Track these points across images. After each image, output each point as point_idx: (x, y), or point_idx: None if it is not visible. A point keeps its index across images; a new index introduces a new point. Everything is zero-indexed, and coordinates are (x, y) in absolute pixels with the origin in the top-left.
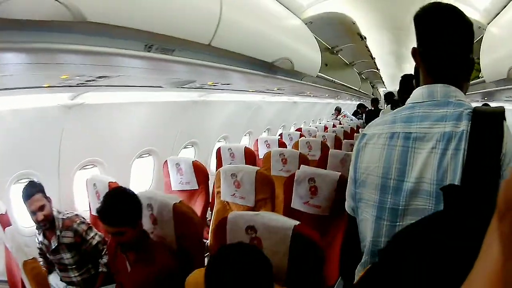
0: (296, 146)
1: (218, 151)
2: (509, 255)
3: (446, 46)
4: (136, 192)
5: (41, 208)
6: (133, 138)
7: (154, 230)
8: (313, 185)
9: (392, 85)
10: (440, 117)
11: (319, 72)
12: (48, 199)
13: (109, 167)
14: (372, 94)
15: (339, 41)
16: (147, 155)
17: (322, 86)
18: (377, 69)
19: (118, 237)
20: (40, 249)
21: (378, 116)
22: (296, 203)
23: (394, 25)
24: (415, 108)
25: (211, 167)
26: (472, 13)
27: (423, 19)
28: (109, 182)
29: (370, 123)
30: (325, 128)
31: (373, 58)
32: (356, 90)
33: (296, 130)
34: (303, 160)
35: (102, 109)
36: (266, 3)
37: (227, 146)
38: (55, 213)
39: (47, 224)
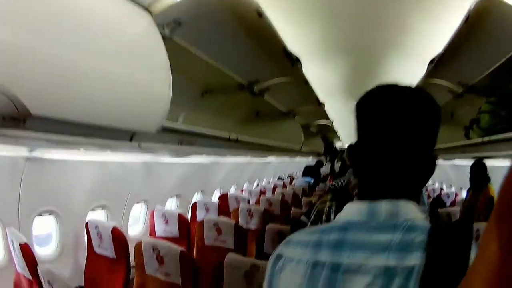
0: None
1: None
2: (506, 256)
3: (392, 138)
4: None
5: None
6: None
7: None
8: None
9: (350, 139)
10: (381, 247)
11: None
12: None
13: None
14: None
15: (267, 73)
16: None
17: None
18: (329, 119)
19: None
20: None
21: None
22: None
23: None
24: (348, 231)
25: None
26: None
27: (362, 105)
28: None
29: (291, 236)
30: (261, 193)
31: (320, 105)
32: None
33: (219, 197)
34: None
35: None
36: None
37: None
38: None
39: None
